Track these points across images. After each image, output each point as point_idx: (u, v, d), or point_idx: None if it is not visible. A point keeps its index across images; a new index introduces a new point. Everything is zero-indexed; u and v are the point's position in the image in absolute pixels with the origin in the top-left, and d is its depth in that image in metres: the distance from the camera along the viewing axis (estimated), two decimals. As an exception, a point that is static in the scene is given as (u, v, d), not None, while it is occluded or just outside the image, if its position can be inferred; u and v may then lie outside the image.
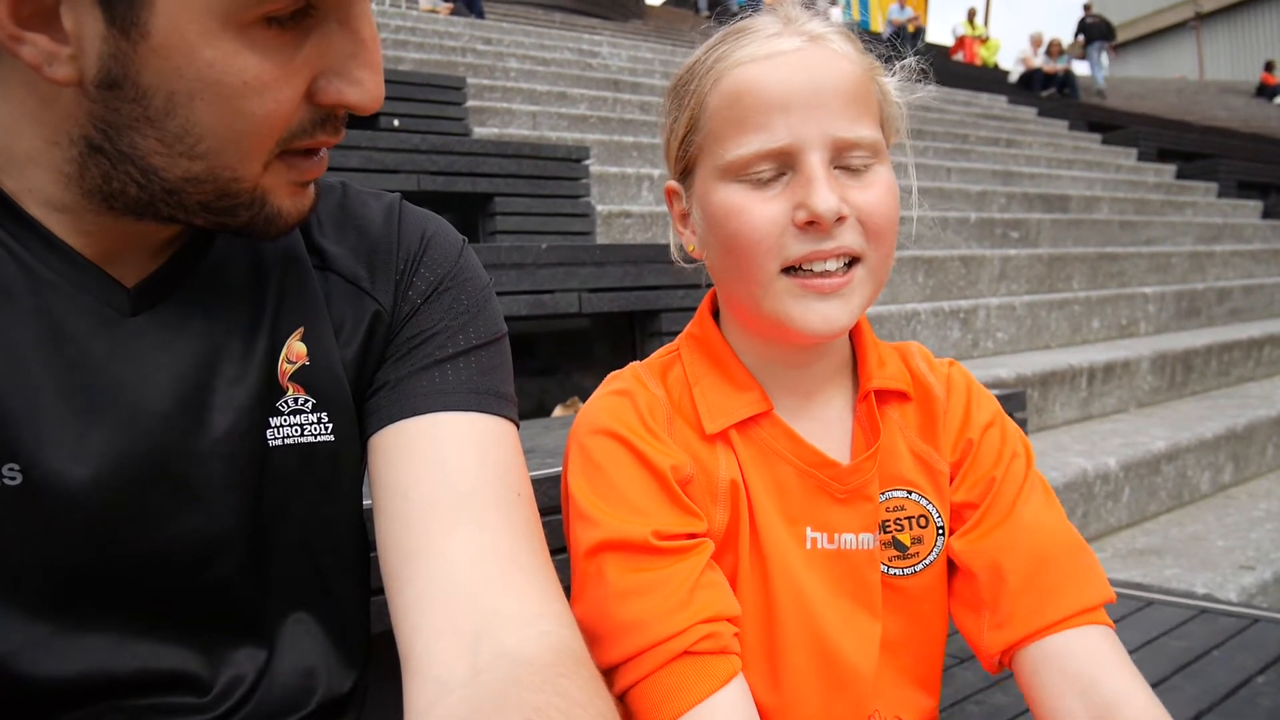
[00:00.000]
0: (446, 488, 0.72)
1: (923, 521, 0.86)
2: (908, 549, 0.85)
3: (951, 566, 0.88)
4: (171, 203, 0.64)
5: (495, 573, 0.70)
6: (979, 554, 0.83)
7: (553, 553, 0.77)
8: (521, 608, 0.69)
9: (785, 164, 0.76)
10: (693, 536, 0.78)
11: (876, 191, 0.77)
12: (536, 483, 1.20)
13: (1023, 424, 2.29)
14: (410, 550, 0.71)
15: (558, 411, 2.73)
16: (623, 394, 0.84)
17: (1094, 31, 17.46)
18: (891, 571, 0.85)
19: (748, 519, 0.82)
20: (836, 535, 0.83)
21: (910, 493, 0.86)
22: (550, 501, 1.04)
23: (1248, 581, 2.19)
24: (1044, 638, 0.79)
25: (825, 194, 0.74)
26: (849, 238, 0.76)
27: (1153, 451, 2.79)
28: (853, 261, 0.77)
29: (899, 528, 0.85)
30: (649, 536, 0.76)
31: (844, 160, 0.76)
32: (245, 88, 0.59)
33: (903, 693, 0.87)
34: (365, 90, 0.64)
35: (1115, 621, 1.97)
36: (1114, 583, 2.20)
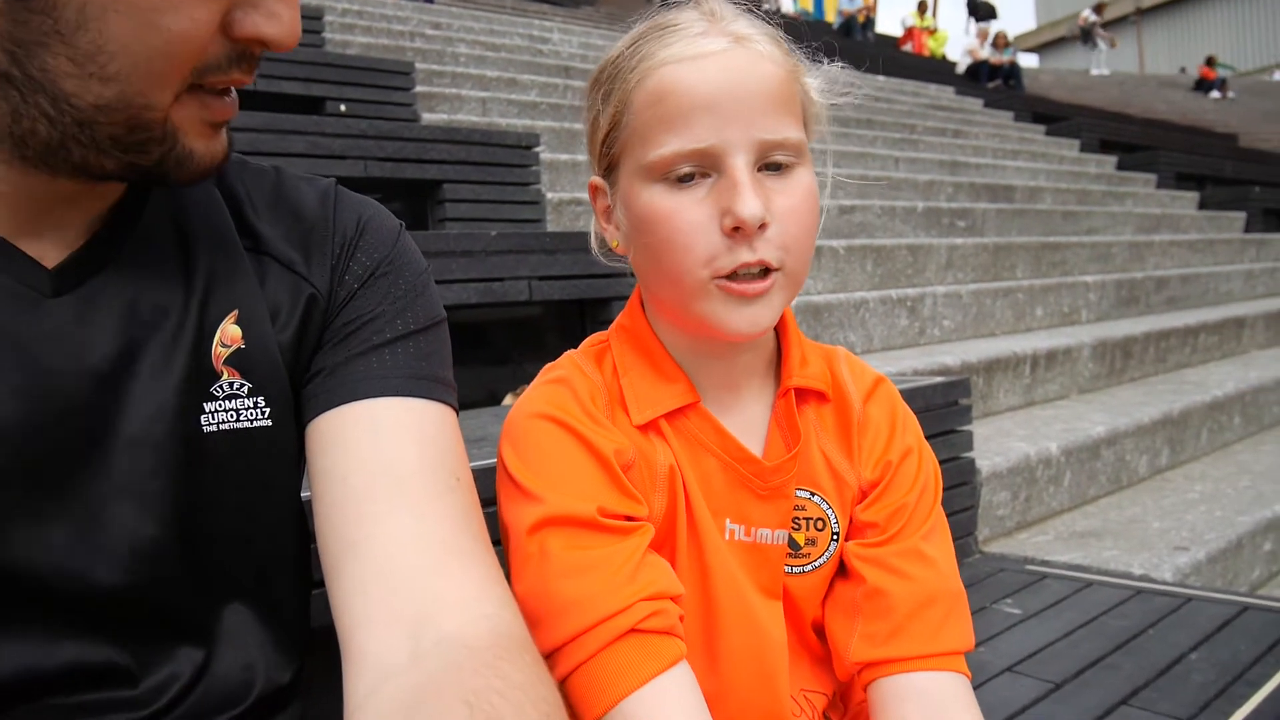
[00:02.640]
0: (385, 474, 0.71)
1: (820, 524, 0.87)
2: (800, 548, 0.87)
3: (839, 568, 0.90)
4: (83, 139, 0.61)
5: (434, 558, 0.69)
6: (876, 563, 0.85)
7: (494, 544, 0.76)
8: (461, 593, 0.68)
9: (709, 165, 0.76)
10: (633, 519, 0.79)
11: (797, 197, 0.77)
12: (486, 473, 1.19)
13: (967, 411, 2.33)
14: (348, 538, 0.70)
15: (508, 400, 2.71)
16: (562, 382, 0.84)
17: (981, 11, 17.93)
18: (784, 568, 0.87)
19: (684, 505, 0.83)
20: (754, 529, 0.85)
21: (813, 494, 0.88)
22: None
23: (1182, 562, 2.26)
24: (913, 670, 0.81)
25: (750, 200, 0.74)
26: (768, 251, 0.76)
27: (1093, 436, 2.86)
28: (770, 269, 0.78)
29: (796, 526, 0.87)
30: (594, 513, 0.76)
31: (767, 161, 0.77)
32: (161, 1, 0.57)
33: (799, 669, 0.90)
34: (282, 24, 0.63)
35: (1058, 602, 2.02)
36: (1055, 564, 2.25)
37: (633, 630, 0.73)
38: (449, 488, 0.73)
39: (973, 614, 1.90)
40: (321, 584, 0.73)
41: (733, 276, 0.76)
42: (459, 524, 0.72)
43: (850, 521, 0.89)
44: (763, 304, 0.78)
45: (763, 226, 0.75)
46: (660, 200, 0.77)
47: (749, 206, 0.73)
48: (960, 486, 2.34)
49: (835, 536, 0.88)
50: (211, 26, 0.60)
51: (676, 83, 0.76)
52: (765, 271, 0.77)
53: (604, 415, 0.83)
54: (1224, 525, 2.52)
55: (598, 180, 0.87)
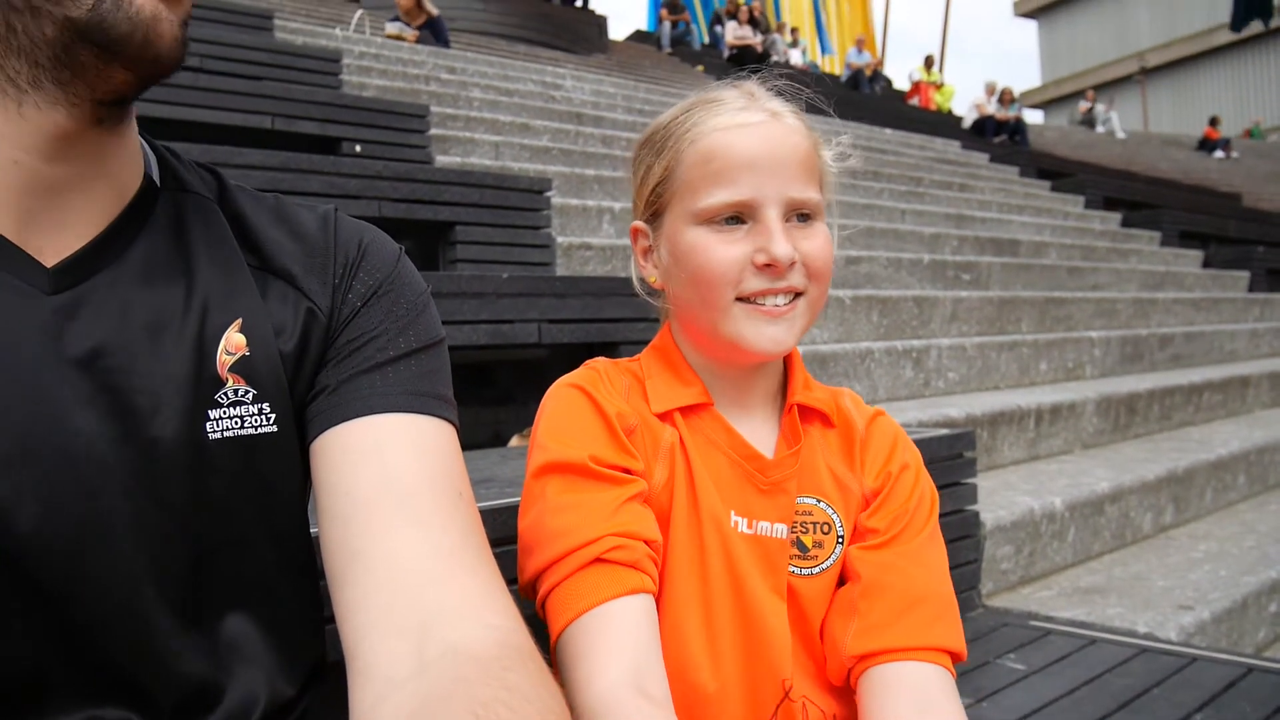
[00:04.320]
0: (388, 488, 0.72)
1: (825, 528, 0.99)
2: (808, 550, 0.98)
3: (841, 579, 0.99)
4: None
5: (438, 569, 0.70)
6: (873, 563, 0.96)
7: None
8: (465, 603, 0.69)
9: (747, 214, 0.93)
10: (627, 471, 0.91)
11: (818, 242, 0.95)
12: (493, 513, 1.19)
13: (971, 464, 2.33)
14: (353, 550, 0.71)
15: (514, 441, 2.72)
16: (590, 368, 1.00)
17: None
18: (792, 569, 0.97)
19: (686, 484, 0.95)
20: (756, 522, 0.96)
21: (819, 501, 0.99)
22: (505, 532, 1.04)
23: (1187, 621, 2.24)
24: (904, 660, 0.90)
25: (783, 244, 0.91)
26: (796, 279, 0.93)
27: (1097, 492, 2.85)
28: (796, 295, 0.94)
29: (804, 530, 0.98)
30: (587, 460, 0.89)
31: (793, 215, 0.93)
32: None
33: (806, 681, 0.97)
34: None
35: (1061, 659, 2.00)
36: (1059, 620, 2.24)
37: (599, 559, 0.85)
38: (451, 501, 0.75)
39: (976, 669, 1.89)
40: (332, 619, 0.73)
41: (759, 301, 0.92)
42: (462, 535, 0.73)
43: (854, 529, 1.00)
44: (785, 325, 0.93)
45: (792, 264, 0.91)
46: (703, 238, 0.94)
47: (782, 248, 0.90)
48: (964, 540, 2.34)
49: (840, 540, 0.99)
50: None
51: (727, 146, 0.93)
52: (794, 298, 0.94)
53: (621, 394, 0.97)
54: (1229, 585, 2.50)
55: (641, 225, 1.02)
